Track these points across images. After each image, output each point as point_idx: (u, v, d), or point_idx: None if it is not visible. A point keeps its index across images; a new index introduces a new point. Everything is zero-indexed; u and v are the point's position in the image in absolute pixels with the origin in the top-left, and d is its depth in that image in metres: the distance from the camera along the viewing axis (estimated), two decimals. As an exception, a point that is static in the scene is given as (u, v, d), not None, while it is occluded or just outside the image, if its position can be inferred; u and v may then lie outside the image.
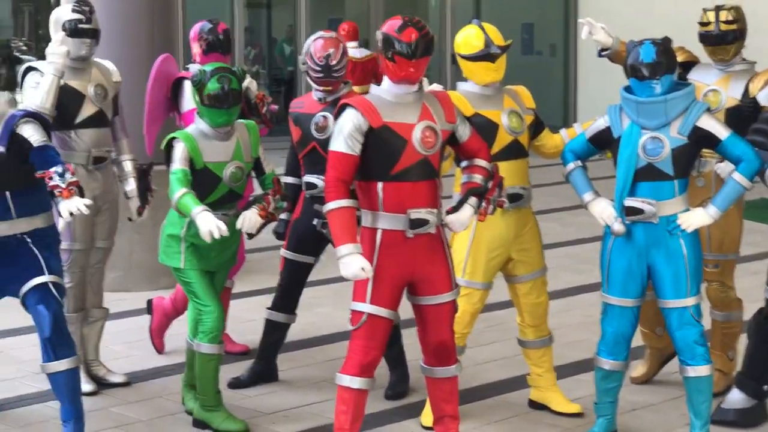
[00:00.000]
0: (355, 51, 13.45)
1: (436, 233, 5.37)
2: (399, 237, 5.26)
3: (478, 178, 5.44)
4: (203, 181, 5.89)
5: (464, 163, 5.53)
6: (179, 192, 5.70)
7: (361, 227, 5.35)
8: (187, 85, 7.09)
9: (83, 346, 6.71)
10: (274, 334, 6.84)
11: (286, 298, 6.79)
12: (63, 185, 5.36)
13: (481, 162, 5.49)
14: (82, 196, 5.42)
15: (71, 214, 5.34)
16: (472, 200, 5.35)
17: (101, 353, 6.92)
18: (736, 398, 6.13)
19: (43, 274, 5.70)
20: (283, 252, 6.73)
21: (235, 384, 6.75)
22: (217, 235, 5.53)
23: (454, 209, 5.35)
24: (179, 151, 5.85)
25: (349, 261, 5.08)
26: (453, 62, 19.70)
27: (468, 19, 18.75)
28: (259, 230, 5.95)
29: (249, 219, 5.83)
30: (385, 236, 5.26)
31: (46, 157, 5.55)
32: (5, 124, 5.66)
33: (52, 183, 5.37)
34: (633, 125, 5.56)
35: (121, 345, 7.52)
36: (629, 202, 5.55)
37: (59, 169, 5.40)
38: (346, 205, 5.15)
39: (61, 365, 5.64)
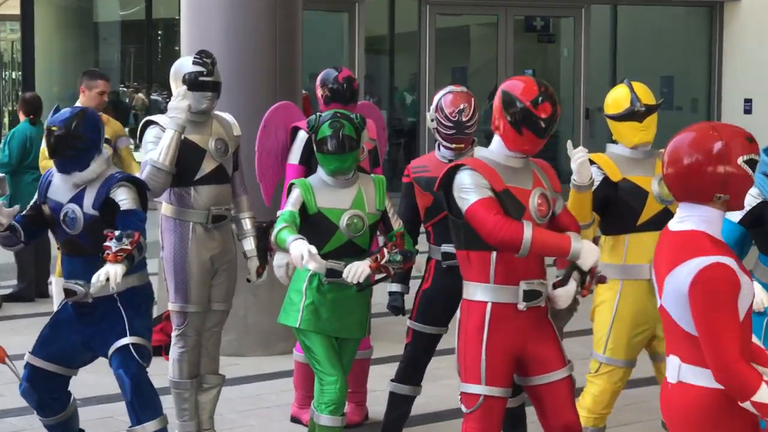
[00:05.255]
0: None
1: (544, 307, 5.34)
2: (510, 310, 5.22)
3: None
4: (319, 228, 5.95)
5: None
6: (278, 228, 5.76)
7: (465, 301, 5.33)
8: (299, 136, 7.25)
9: (197, 415, 6.78)
10: (400, 408, 6.78)
11: (413, 369, 6.72)
12: (114, 249, 5.59)
13: (574, 234, 5.45)
14: (130, 265, 5.65)
15: (107, 279, 5.53)
16: (575, 274, 5.30)
17: (216, 422, 6.94)
18: None
19: (125, 336, 5.89)
20: (410, 323, 6.67)
21: None
22: (306, 257, 5.48)
23: (561, 283, 5.30)
24: (293, 195, 5.97)
25: (587, 246, 5.14)
26: (586, 117, 19.73)
27: (603, 71, 19.03)
28: (373, 283, 5.90)
29: (354, 268, 5.73)
30: (495, 310, 5.22)
31: (126, 221, 5.82)
32: (102, 186, 5.92)
33: (106, 243, 5.61)
34: None
35: (236, 414, 7.56)
36: None
37: (121, 233, 5.65)
38: (531, 223, 5.10)
39: (144, 429, 5.88)
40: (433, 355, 6.75)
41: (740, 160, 3.93)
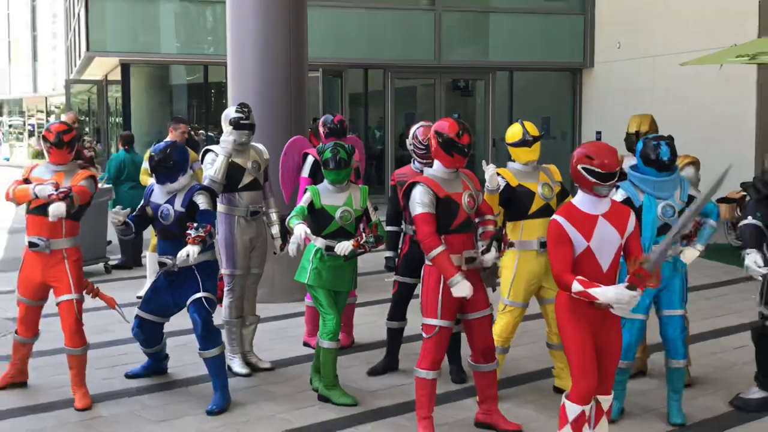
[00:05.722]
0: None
1: (479, 266, 5.33)
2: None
3: (491, 227, 5.46)
4: (321, 218, 5.94)
5: (478, 219, 5.49)
6: (290, 216, 5.83)
7: (427, 266, 5.27)
8: (308, 159, 7.21)
9: (242, 342, 6.76)
10: (396, 337, 6.73)
11: (399, 310, 6.66)
12: (192, 235, 5.69)
13: (490, 217, 5.51)
14: (203, 246, 5.74)
15: (187, 255, 5.65)
16: (495, 244, 5.33)
17: (254, 347, 6.93)
18: (753, 390, 5.95)
19: (199, 291, 5.89)
20: (395, 277, 6.62)
21: (373, 371, 6.66)
22: (303, 235, 5.64)
23: (486, 250, 5.30)
24: (305, 196, 5.98)
25: (462, 284, 5.07)
26: (493, 145, 19.61)
27: (505, 113, 19.07)
28: (353, 255, 5.88)
29: (342, 245, 5.81)
30: None
31: (203, 216, 5.85)
32: (187, 193, 5.96)
33: (187, 231, 5.71)
34: (649, 197, 5.52)
35: (268, 341, 7.51)
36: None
37: (198, 224, 5.72)
38: (444, 249, 5.12)
39: (210, 353, 5.90)
40: (411, 297, 6.63)
41: (579, 167, 4.56)
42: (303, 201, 5.96)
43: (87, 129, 26.68)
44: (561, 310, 4.61)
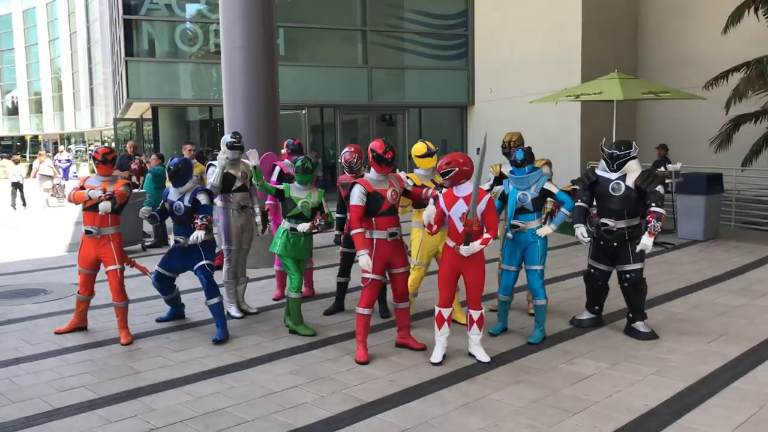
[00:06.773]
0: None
1: (400, 238, 5.33)
2: (383, 241, 5.21)
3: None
4: (288, 204, 5.84)
5: (413, 204, 5.49)
6: (261, 183, 5.83)
7: (368, 239, 5.24)
8: (276, 169, 7.09)
9: (237, 295, 6.63)
10: (342, 288, 6.63)
11: (344, 269, 6.59)
12: (199, 222, 5.62)
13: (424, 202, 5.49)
14: (209, 231, 5.62)
15: (197, 237, 5.56)
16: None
17: (245, 298, 6.84)
18: (585, 314, 6.05)
19: (202, 260, 5.77)
20: (341, 249, 6.58)
21: (327, 312, 6.56)
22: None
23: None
24: (278, 186, 5.88)
25: (363, 257, 5.05)
26: (408, 158, 19.58)
27: (416, 137, 19.05)
28: (309, 233, 5.83)
29: (302, 226, 5.77)
30: (378, 241, 5.21)
31: (204, 209, 5.75)
32: (192, 193, 5.83)
33: (195, 220, 5.63)
34: (514, 188, 5.57)
35: (253, 294, 7.40)
36: (514, 222, 5.60)
37: (202, 216, 5.66)
38: (362, 231, 5.09)
39: (212, 301, 5.79)
40: (353, 262, 6.58)
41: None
42: (275, 185, 5.90)
43: (142, 152, 25.95)
44: (442, 254, 5.11)
